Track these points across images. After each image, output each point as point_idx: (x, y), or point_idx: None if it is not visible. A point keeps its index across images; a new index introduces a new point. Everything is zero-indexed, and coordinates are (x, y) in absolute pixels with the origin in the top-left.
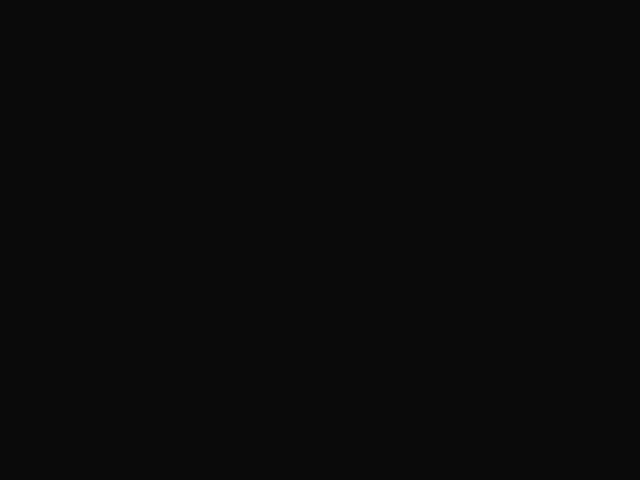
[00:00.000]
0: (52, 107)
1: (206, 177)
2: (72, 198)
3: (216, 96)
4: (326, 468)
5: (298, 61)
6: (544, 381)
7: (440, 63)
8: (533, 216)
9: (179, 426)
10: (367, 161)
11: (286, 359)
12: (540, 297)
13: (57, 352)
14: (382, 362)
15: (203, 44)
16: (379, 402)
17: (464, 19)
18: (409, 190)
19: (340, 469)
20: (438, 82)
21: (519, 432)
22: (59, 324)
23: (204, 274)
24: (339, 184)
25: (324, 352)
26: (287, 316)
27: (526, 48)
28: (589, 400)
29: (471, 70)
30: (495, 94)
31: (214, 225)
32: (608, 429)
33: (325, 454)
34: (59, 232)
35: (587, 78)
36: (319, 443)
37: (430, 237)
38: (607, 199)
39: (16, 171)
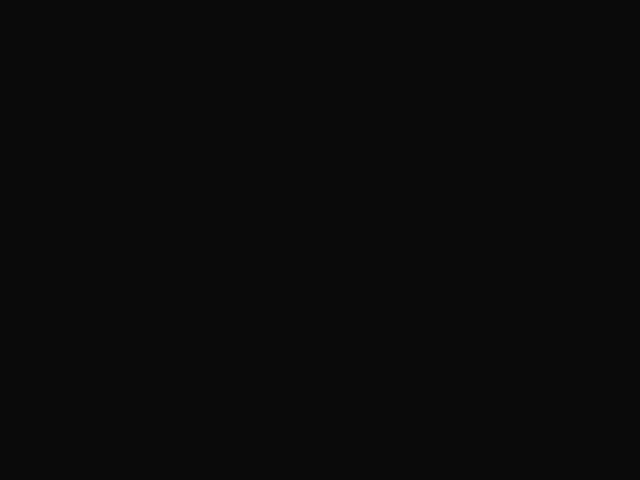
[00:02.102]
0: (52, 107)
1: (206, 177)
2: (72, 198)
3: (216, 96)
4: (326, 468)
5: (298, 61)
6: (544, 381)
7: (440, 63)
8: (533, 216)
9: (179, 426)
10: (367, 161)
11: (286, 359)
12: (540, 297)
13: (57, 352)
14: (382, 362)
15: (203, 44)
16: (379, 402)
17: (464, 19)
18: (409, 190)
19: (340, 469)
20: (438, 82)
21: (519, 432)
22: (59, 324)
23: (204, 274)
24: (339, 184)
25: (324, 352)
26: (287, 316)
27: (526, 48)
28: (589, 400)
29: (471, 70)
30: (495, 94)
31: (214, 225)
32: (608, 429)
33: (325, 454)
34: (59, 232)
35: (587, 78)
36: (319, 443)
37: (430, 237)
38: (607, 199)
39: (16, 171)
